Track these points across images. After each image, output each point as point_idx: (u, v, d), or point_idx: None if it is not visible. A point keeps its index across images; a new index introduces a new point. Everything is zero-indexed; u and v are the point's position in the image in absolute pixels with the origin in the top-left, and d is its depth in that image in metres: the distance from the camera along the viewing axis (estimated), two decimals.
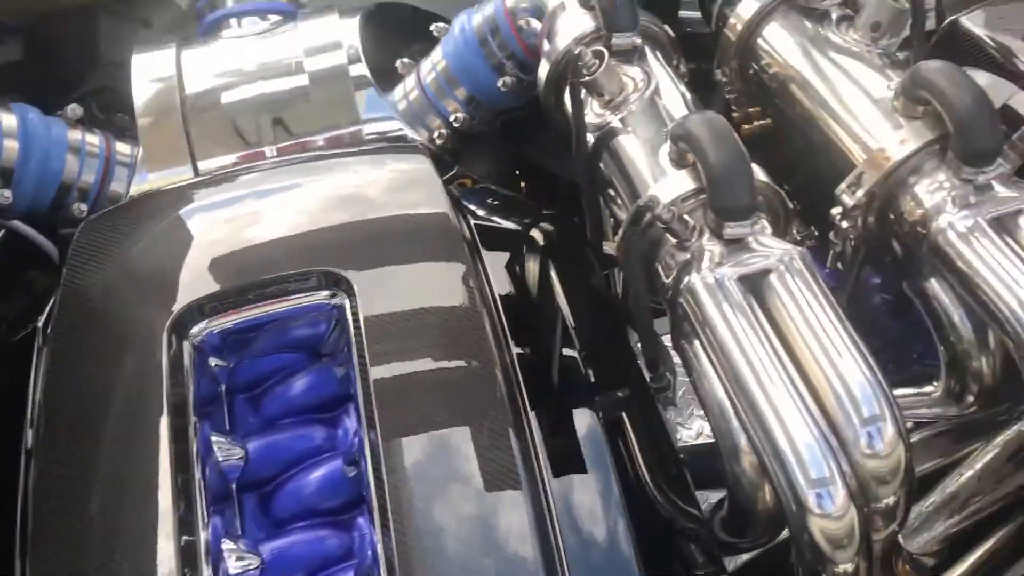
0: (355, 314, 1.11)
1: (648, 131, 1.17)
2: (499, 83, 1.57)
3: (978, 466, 1.10)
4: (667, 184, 1.05)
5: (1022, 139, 1.10)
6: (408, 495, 0.94)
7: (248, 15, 1.73)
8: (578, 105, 1.20)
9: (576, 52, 1.22)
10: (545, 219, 1.38)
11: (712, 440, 1.00)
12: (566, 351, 1.13)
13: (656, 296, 1.09)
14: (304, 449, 1.12)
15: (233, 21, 1.73)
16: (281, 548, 1.03)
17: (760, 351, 0.90)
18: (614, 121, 1.21)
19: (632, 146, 1.18)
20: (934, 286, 1.05)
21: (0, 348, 1.31)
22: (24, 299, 1.84)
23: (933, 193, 1.04)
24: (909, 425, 1.21)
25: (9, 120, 1.49)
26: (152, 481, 0.97)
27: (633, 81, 1.23)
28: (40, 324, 1.18)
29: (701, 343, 0.96)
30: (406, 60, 1.69)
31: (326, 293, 1.15)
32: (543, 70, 1.39)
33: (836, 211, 1.12)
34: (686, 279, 0.98)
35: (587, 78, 1.19)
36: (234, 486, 1.08)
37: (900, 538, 1.08)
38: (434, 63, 1.63)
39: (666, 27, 1.37)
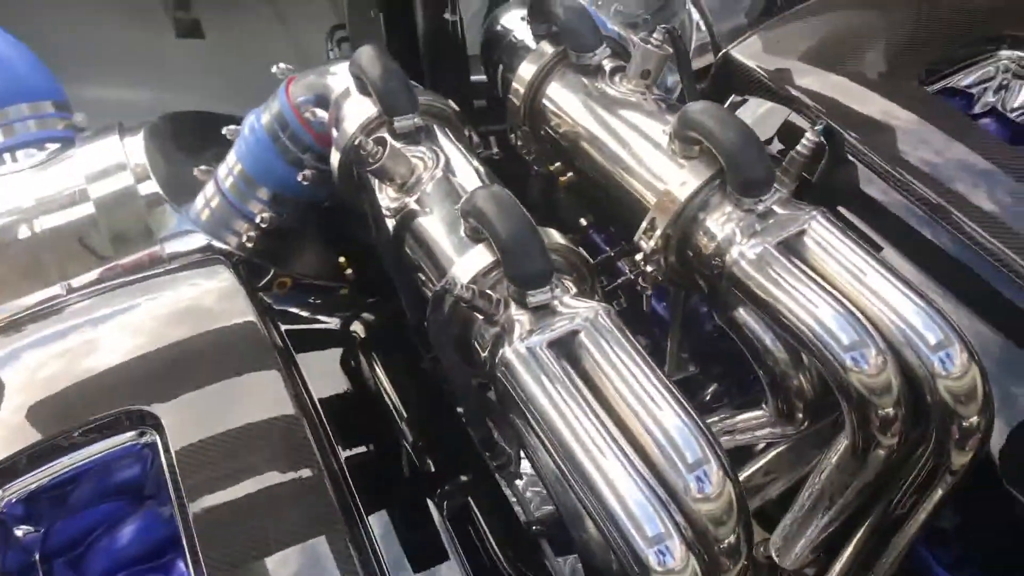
0: (167, 450, 1.04)
1: (443, 209, 1.16)
2: (299, 177, 1.54)
3: (824, 474, 1.13)
4: (464, 262, 1.04)
5: (791, 163, 1.15)
6: None
7: (22, 147, 1.63)
8: (371, 194, 1.18)
9: (356, 142, 1.20)
10: (368, 309, 1.34)
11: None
12: (398, 446, 1.09)
13: (477, 372, 1.07)
14: None
15: (7, 156, 1.62)
16: None
17: (580, 416, 0.89)
18: (410, 203, 1.20)
19: (431, 226, 1.16)
20: (742, 314, 1.08)
21: None
22: None
23: (723, 226, 1.07)
24: (761, 446, 1.24)
25: None
26: None
27: (423, 161, 1.22)
28: None
29: (525, 415, 0.94)
30: (203, 167, 1.63)
31: (133, 433, 1.07)
32: (334, 159, 1.36)
33: (639, 257, 1.14)
34: (500, 352, 0.97)
35: (374, 166, 1.17)
36: None
37: (776, 558, 1.09)
38: (230, 167, 1.58)
39: (450, 102, 1.37)
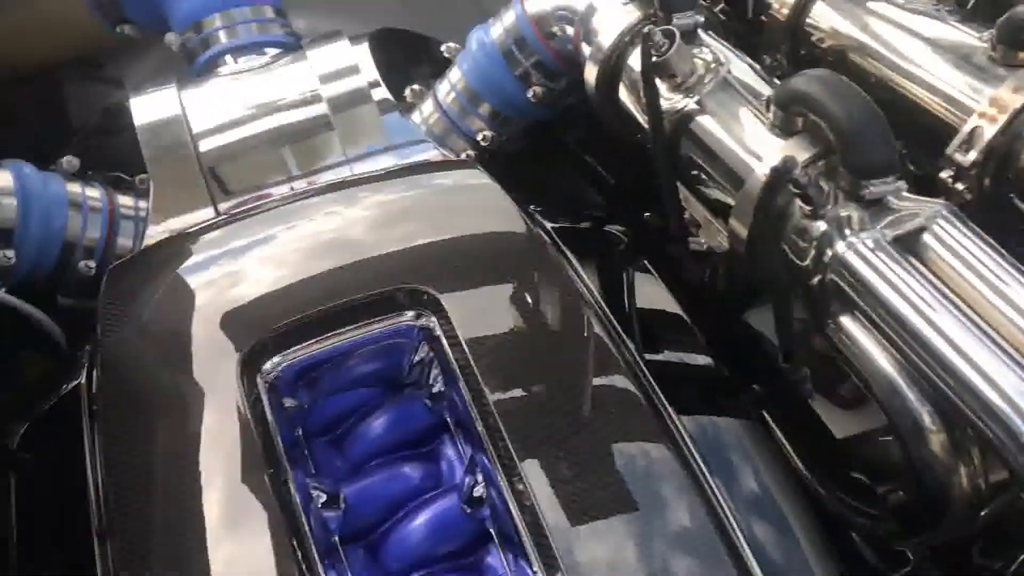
0: (450, 334, 1.00)
1: (733, 108, 1.10)
2: (529, 94, 1.50)
3: None
4: (789, 150, 0.97)
5: None
6: (564, 525, 0.82)
7: (246, 51, 1.61)
8: (653, 90, 1.12)
9: (644, 32, 1.15)
10: (607, 219, 1.29)
11: (872, 428, 0.91)
12: (690, 349, 1.03)
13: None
14: (404, 490, 0.99)
15: (229, 58, 1.61)
16: None
17: (941, 311, 0.82)
18: (690, 104, 1.14)
19: (719, 125, 1.10)
20: None
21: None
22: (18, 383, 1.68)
23: None
24: None
25: (4, 177, 1.35)
26: (263, 544, 0.83)
27: (703, 61, 1.16)
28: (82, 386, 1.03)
29: (861, 318, 0.87)
30: (416, 87, 1.61)
31: (411, 314, 1.03)
32: (590, 72, 1.31)
33: (946, 174, 1.05)
34: (830, 251, 0.90)
35: (660, 59, 1.11)
36: (336, 538, 0.94)
37: None
38: (453, 83, 1.55)
39: (712, 8, 1.32)
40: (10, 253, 1.33)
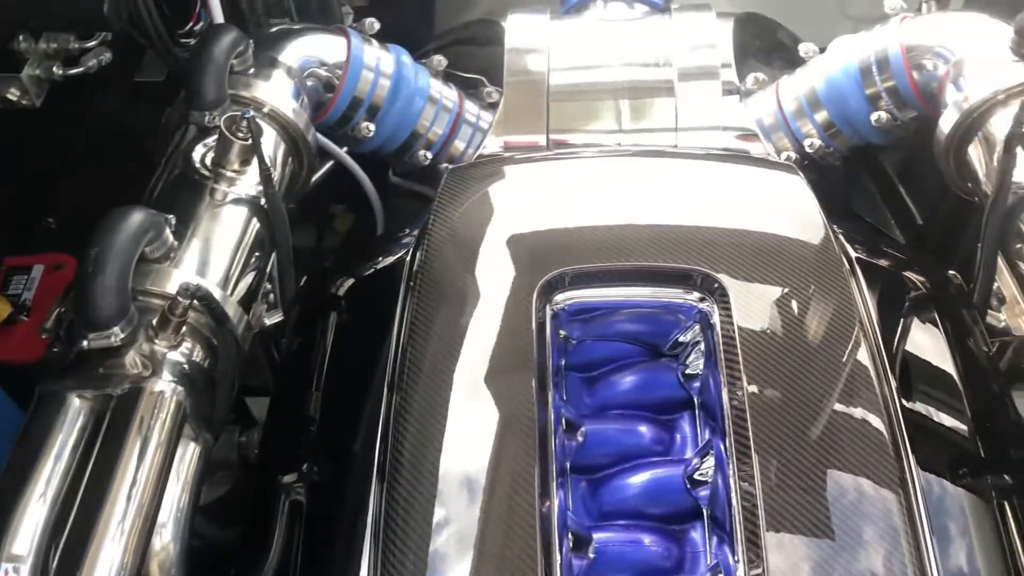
0: (725, 324, 1.06)
1: None
2: (873, 117, 1.48)
3: None
4: None
5: None
6: (778, 530, 0.88)
7: (618, 0, 1.70)
8: (1011, 158, 1.09)
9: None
10: (915, 266, 1.27)
11: None
12: (950, 412, 1.03)
13: None
14: (635, 445, 1.08)
15: (600, 3, 1.71)
16: (610, 541, 0.99)
17: None
18: None
19: None
20: None
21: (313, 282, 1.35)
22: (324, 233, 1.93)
23: None
24: None
25: (387, 62, 1.54)
26: (514, 438, 0.96)
27: None
28: (407, 260, 1.19)
29: None
30: (761, 76, 1.63)
31: (696, 295, 1.10)
32: (948, 117, 1.29)
33: None
34: None
35: None
36: (569, 464, 1.05)
37: None
38: (800, 83, 1.56)
39: None
40: (372, 126, 1.54)
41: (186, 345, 1.04)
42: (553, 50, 1.57)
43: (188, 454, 1.01)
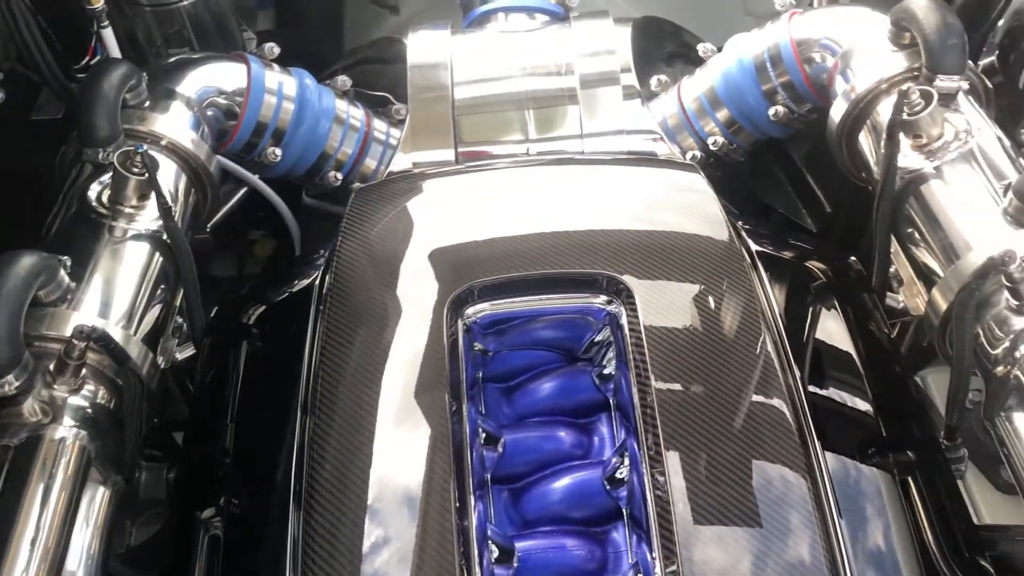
0: (633, 325, 1.07)
1: (969, 183, 1.10)
2: (770, 112, 1.52)
3: None
4: (1015, 242, 0.97)
5: None
6: (691, 523, 0.89)
7: (517, 12, 1.72)
8: (894, 146, 1.13)
9: (902, 89, 1.16)
10: (811, 253, 1.31)
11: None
12: (854, 395, 1.06)
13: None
14: (555, 451, 1.08)
15: (501, 16, 1.73)
16: (533, 549, 1.00)
17: None
18: (927, 167, 1.14)
19: (950, 197, 1.10)
20: None
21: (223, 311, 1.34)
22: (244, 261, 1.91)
23: None
24: None
25: (290, 84, 1.53)
26: (430, 454, 0.96)
27: (954, 128, 1.16)
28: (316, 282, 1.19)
29: None
30: (663, 78, 1.65)
31: (604, 298, 1.12)
32: (838, 107, 1.33)
33: None
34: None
35: (910, 118, 1.12)
36: (488, 476, 1.06)
37: None
38: (700, 83, 1.59)
39: (981, 74, 1.29)
40: (278, 151, 1.52)
41: (88, 388, 1.02)
42: (456, 64, 1.58)
43: (97, 499, 0.99)
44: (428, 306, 1.09)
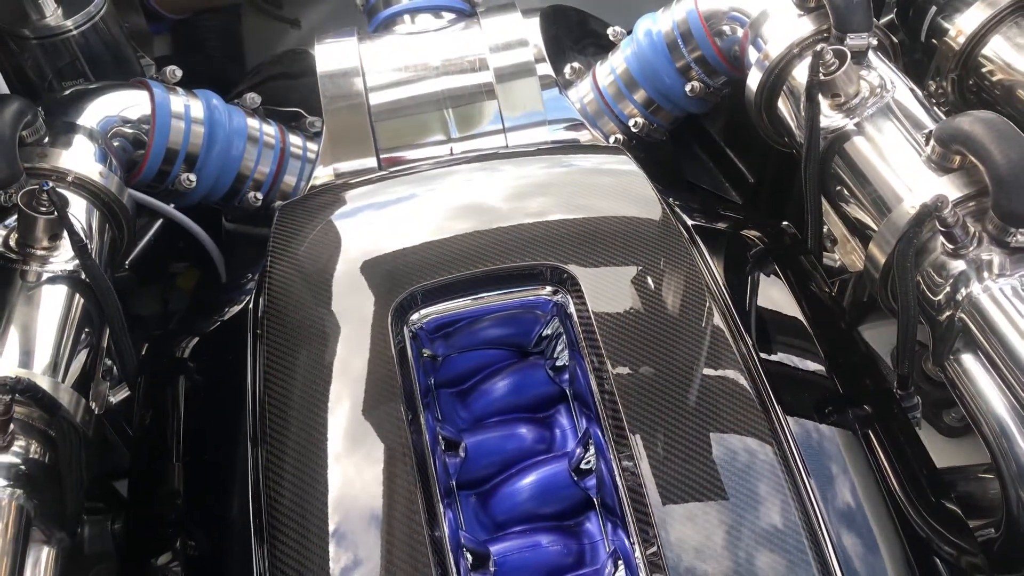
0: (581, 312, 1.06)
1: (891, 136, 1.12)
2: (687, 88, 1.53)
3: None
4: (942, 187, 0.99)
5: None
6: (665, 504, 0.88)
7: (423, 12, 1.69)
8: (815, 107, 1.14)
9: (816, 49, 1.17)
10: (744, 222, 1.32)
11: (974, 464, 0.93)
12: (806, 357, 1.06)
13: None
14: (519, 449, 1.07)
15: (407, 17, 1.70)
16: (508, 551, 0.97)
17: None
18: (848, 124, 1.16)
19: (874, 151, 1.12)
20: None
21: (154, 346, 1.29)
22: (169, 295, 1.84)
23: None
24: None
25: (196, 107, 1.48)
26: (392, 468, 0.93)
27: (869, 84, 1.18)
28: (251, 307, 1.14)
29: (983, 359, 0.89)
30: (577, 66, 1.65)
31: (549, 289, 1.10)
32: (754, 76, 1.34)
33: None
34: (965, 291, 0.91)
35: (826, 78, 1.13)
36: (454, 482, 1.03)
37: None
38: (614, 66, 1.59)
39: (886, 31, 1.32)
40: (192, 177, 1.47)
41: (19, 443, 0.96)
42: (368, 70, 1.55)
43: (43, 560, 0.93)
44: (371, 317, 1.05)
